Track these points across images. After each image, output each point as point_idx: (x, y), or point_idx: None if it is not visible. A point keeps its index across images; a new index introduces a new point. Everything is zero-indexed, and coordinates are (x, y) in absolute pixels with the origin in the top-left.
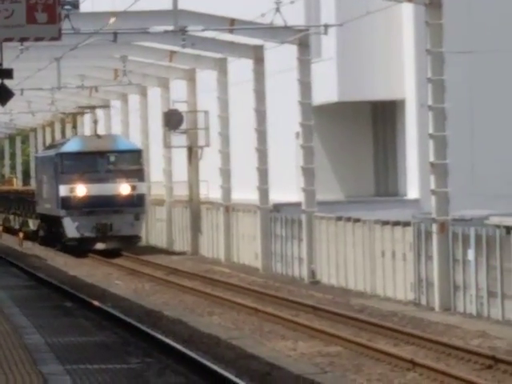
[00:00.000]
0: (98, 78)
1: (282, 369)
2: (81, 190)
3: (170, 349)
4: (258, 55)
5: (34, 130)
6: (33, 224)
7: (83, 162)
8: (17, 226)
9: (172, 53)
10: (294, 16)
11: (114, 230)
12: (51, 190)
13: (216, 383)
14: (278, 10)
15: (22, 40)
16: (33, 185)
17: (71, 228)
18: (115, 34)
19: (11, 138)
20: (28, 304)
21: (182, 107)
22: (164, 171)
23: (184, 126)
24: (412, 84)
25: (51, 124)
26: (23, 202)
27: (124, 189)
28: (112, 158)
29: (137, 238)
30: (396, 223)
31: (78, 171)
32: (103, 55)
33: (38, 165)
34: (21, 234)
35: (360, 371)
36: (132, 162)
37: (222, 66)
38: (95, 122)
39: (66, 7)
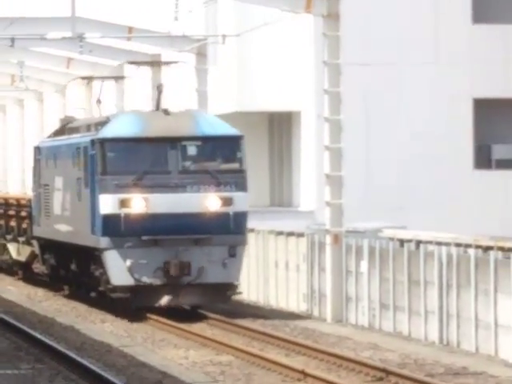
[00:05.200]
0: None
1: (174, 377)
2: (138, 203)
3: (62, 355)
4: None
5: None
6: (17, 252)
7: (142, 155)
8: None
9: (69, 59)
10: (194, 25)
11: (192, 273)
12: (77, 203)
13: None
14: (176, 18)
15: None
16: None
17: (119, 269)
18: (12, 39)
19: None
20: None
21: (80, 114)
22: None
23: None
24: (309, 95)
25: None
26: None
27: (212, 203)
28: (192, 150)
29: (232, 287)
30: (290, 234)
31: (132, 171)
32: (0, 60)
33: (44, 160)
34: None
35: (251, 381)
36: (227, 158)
37: (119, 74)
38: (159, 87)
39: None
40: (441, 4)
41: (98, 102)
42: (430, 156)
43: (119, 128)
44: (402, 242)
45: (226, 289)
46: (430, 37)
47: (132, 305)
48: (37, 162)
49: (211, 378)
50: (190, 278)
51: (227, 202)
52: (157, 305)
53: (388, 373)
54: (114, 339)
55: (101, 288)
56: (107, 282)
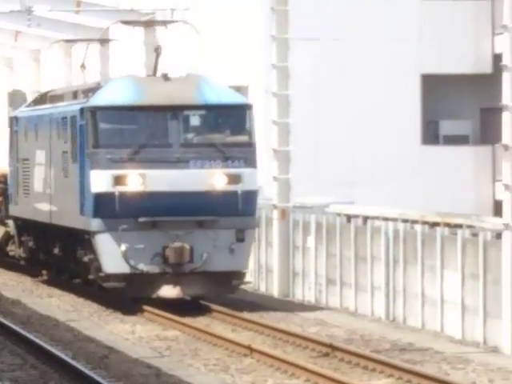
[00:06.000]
0: None
1: (120, 352)
2: (134, 180)
3: (8, 330)
4: (103, 37)
5: None
6: None
7: (139, 126)
8: None
9: (17, 32)
10: None
11: (195, 259)
12: (62, 179)
13: (53, 365)
14: None
15: None
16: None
17: (112, 255)
18: None
19: None
20: None
21: (27, 88)
22: None
23: None
24: (257, 70)
25: None
26: None
27: (218, 180)
28: (195, 120)
29: (239, 276)
30: None
31: (127, 144)
32: None
33: (22, 131)
34: None
35: (197, 356)
36: (234, 129)
37: (66, 48)
38: (157, 49)
39: None
40: None
41: (82, 67)
42: (379, 132)
43: (113, 95)
44: (349, 217)
45: (233, 278)
46: (379, 12)
47: (127, 295)
48: (14, 133)
49: (157, 353)
50: (192, 265)
51: (235, 179)
52: (155, 296)
53: (334, 348)
54: (60, 314)
55: (90, 276)
56: (98, 269)
